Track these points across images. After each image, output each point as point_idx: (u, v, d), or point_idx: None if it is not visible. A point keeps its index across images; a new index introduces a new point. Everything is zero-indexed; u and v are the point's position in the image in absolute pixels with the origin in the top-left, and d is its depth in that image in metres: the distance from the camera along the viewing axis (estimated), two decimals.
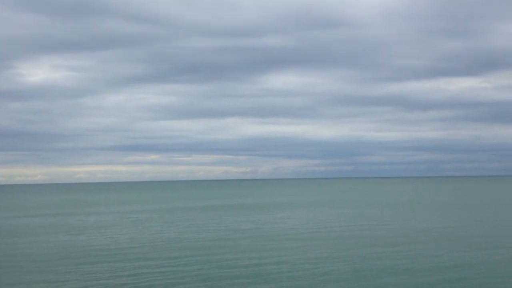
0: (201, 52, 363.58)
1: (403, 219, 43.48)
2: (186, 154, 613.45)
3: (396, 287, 18.92)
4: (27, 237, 35.19)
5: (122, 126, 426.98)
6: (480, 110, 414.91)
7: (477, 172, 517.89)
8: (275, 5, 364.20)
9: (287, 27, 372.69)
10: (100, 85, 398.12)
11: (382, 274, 20.77)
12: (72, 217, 53.09)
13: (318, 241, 30.16)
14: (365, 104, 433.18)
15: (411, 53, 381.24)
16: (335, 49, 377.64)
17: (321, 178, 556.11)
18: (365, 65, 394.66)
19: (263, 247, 28.00)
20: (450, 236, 31.64)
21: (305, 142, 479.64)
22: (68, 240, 33.15)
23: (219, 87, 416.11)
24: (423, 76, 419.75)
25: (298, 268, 22.02)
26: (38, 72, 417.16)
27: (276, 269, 21.93)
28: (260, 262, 23.35)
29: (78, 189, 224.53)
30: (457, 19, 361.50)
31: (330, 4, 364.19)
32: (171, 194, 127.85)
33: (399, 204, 67.97)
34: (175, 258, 25.02)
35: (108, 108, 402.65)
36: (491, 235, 31.92)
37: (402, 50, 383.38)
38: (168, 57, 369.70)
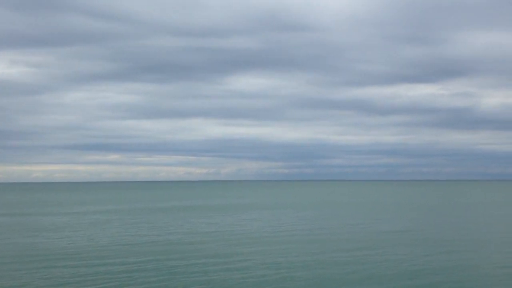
0: (167, 51, 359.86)
1: (365, 222, 44.17)
2: (147, 155, 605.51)
3: None
4: None
5: (82, 124, 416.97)
6: (437, 116, 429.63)
7: (433, 176, 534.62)
8: (242, 6, 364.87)
9: (254, 29, 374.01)
10: (60, 82, 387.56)
11: (346, 280, 20.85)
12: (28, 218, 51.19)
13: (282, 245, 30.11)
14: (328, 108, 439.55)
15: (374, 58, 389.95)
16: (300, 52, 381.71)
17: (284, 180, 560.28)
18: (329, 69, 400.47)
19: (226, 251, 27.75)
20: (411, 240, 32.26)
21: (268, 144, 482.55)
22: (23, 242, 31.86)
23: (183, 87, 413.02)
24: (384, 82, 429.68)
25: (259, 274, 21.80)
26: None
27: (238, 275, 21.70)
28: (222, 268, 23.00)
29: (34, 188, 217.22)
30: (419, 27, 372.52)
31: (297, 8, 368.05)
32: (131, 195, 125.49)
33: (360, 206, 69.13)
34: (134, 263, 24.40)
35: (68, 106, 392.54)
36: (451, 239, 32.72)
37: (366, 55, 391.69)
38: (132, 55, 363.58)
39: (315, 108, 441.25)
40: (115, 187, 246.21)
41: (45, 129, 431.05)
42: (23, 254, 26.73)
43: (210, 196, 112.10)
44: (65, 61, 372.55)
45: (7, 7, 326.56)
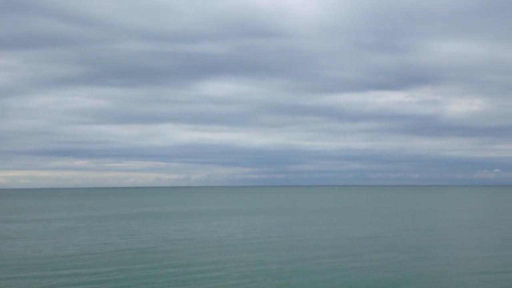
0: (136, 55, 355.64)
1: (336, 228, 44.22)
2: (116, 160, 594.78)
3: None
4: None
5: (49, 129, 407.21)
6: (404, 122, 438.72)
7: (401, 182, 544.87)
8: (214, 12, 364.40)
9: (225, 35, 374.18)
10: (26, 85, 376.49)
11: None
12: None
13: (255, 253, 29.69)
14: (298, 114, 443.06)
15: (344, 66, 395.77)
16: (271, 58, 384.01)
17: (255, 186, 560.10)
18: (300, 75, 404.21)
19: (198, 259, 27.15)
20: (383, 246, 32.31)
21: (238, 149, 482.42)
22: None
23: (153, 92, 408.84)
24: (354, 89, 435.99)
25: (233, 283, 21.36)
26: None
27: (211, 284, 21.19)
28: (195, 277, 22.42)
29: None
30: (387, 36, 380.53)
31: (267, 14, 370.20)
32: (99, 201, 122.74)
33: (331, 212, 69.44)
34: (103, 272, 23.54)
35: (34, 110, 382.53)
36: (421, 245, 32.96)
37: (336, 62, 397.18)
38: (101, 59, 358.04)
39: (285, 114, 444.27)
40: (83, 193, 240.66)
41: (9, 134, 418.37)
42: None
43: (180, 202, 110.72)
44: (32, 64, 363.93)
45: None
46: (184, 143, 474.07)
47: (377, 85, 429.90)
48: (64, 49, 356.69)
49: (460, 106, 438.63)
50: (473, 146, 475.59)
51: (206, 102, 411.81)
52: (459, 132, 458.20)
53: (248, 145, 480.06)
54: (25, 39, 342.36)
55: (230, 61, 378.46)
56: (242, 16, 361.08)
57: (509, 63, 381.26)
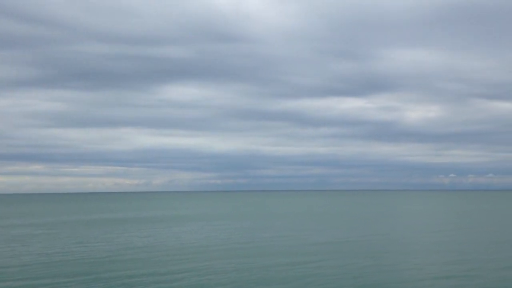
0: (97, 58, 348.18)
1: (300, 233, 44.30)
2: (73, 165, 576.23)
3: None
4: None
5: (3, 133, 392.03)
6: (365, 128, 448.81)
7: (361, 186, 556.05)
8: (177, 15, 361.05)
9: (188, 39, 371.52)
10: None
11: None
12: None
13: (219, 260, 29.17)
14: (261, 119, 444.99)
15: (307, 72, 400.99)
16: (234, 63, 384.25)
17: (217, 191, 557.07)
18: (263, 80, 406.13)
19: (160, 267, 26.46)
20: (346, 251, 32.54)
21: (201, 154, 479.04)
22: None
23: (114, 96, 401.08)
24: (316, 95, 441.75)
25: None
26: None
27: None
28: (157, 287, 21.90)
29: None
30: (348, 43, 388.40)
31: (231, 19, 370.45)
32: (56, 207, 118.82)
33: (293, 217, 69.68)
34: (60, 283, 22.57)
35: None
36: (383, 250, 33.44)
37: (298, 68, 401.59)
38: (59, 61, 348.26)
39: (248, 119, 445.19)
40: (38, 199, 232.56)
41: None
42: None
43: (141, 208, 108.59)
44: None
45: None
46: (145, 148, 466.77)
47: (339, 92, 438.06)
48: (21, 51, 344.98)
49: (417, 112, 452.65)
50: (429, 152, 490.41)
51: (168, 106, 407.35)
52: (416, 138, 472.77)
53: (211, 150, 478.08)
54: None
55: (193, 65, 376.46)
56: (205, 21, 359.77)
57: (464, 72, 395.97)
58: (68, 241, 39.07)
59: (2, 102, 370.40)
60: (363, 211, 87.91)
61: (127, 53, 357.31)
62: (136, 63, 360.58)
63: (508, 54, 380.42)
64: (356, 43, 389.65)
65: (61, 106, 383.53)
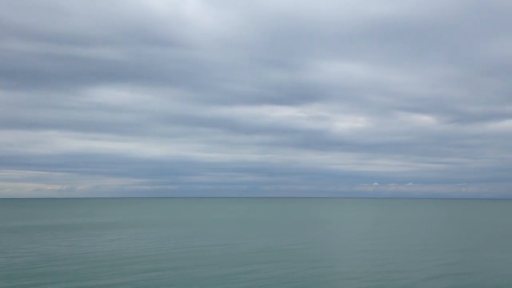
0: (23, 56, 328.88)
1: (233, 240, 43.42)
2: None
3: None
4: None
5: None
6: (295, 137, 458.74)
7: (291, 194, 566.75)
8: (110, 16, 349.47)
9: (121, 40, 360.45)
10: None
11: None
12: None
13: (150, 273, 27.75)
14: (193, 125, 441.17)
15: (241, 79, 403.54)
16: (168, 67, 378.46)
17: (146, 197, 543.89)
18: (197, 86, 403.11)
19: (87, 279, 24.56)
20: (277, 259, 32.16)
21: (130, 159, 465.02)
22: None
23: (38, 96, 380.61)
24: (249, 102, 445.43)
25: None
26: None
27: None
28: None
29: None
30: (282, 53, 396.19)
31: (167, 23, 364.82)
32: None
33: (222, 224, 68.77)
34: None
35: None
36: (319, 259, 33.45)
37: (233, 75, 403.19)
38: None
39: (180, 124, 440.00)
40: None
41: None
42: None
43: (64, 215, 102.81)
44: None
45: None
46: (70, 152, 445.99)
47: (272, 100, 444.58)
48: None
49: (345, 123, 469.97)
50: (355, 161, 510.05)
51: (98, 109, 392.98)
52: (343, 147, 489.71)
53: (141, 155, 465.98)
54: None
55: (125, 68, 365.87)
56: (140, 23, 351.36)
57: (388, 85, 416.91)
58: None
59: None
60: (294, 218, 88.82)
61: (56, 53, 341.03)
62: (65, 63, 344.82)
63: (429, 70, 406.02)
64: (290, 53, 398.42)
65: None
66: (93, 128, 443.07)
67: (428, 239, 46.86)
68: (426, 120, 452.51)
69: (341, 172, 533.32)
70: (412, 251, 36.84)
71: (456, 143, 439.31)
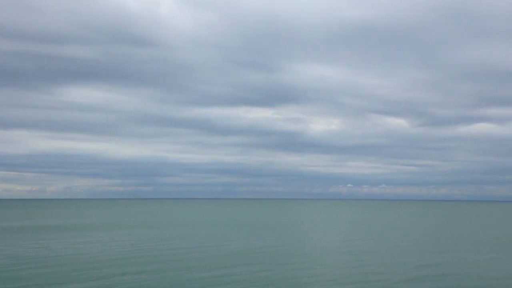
0: None
1: (209, 242, 42.74)
2: None
3: None
4: None
5: None
6: (271, 138, 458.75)
7: (267, 195, 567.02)
8: (85, 15, 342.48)
9: (94, 39, 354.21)
10: None
11: None
12: None
13: (124, 276, 26.91)
14: (169, 125, 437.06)
15: (216, 80, 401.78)
16: (142, 67, 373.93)
17: (120, 198, 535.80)
18: (172, 87, 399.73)
19: (48, 285, 23.59)
20: (254, 262, 31.72)
21: (103, 160, 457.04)
22: None
23: (6, 95, 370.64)
24: (225, 103, 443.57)
25: None
26: None
27: None
28: None
29: None
30: (258, 54, 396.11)
31: (142, 23, 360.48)
32: None
33: (198, 225, 67.93)
34: None
35: None
36: (298, 261, 33.17)
37: (208, 76, 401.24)
38: None
39: (155, 125, 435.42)
40: None
41: None
42: None
43: (34, 216, 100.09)
44: None
45: None
46: (40, 152, 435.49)
47: (247, 101, 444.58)
48: None
49: (320, 125, 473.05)
50: (329, 163, 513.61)
51: (70, 109, 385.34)
52: (319, 149, 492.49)
53: (115, 156, 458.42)
54: None
55: (99, 67, 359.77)
56: (115, 22, 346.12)
57: (363, 88, 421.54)
58: None
59: None
60: (270, 220, 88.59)
61: (26, 50, 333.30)
62: (35, 61, 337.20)
63: (404, 74, 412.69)
64: (266, 55, 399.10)
65: None
66: (66, 128, 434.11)
67: (403, 241, 47.18)
68: (399, 123, 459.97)
69: (316, 173, 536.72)
70: (389, 252, 36.94)
71: (428, 145, 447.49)
